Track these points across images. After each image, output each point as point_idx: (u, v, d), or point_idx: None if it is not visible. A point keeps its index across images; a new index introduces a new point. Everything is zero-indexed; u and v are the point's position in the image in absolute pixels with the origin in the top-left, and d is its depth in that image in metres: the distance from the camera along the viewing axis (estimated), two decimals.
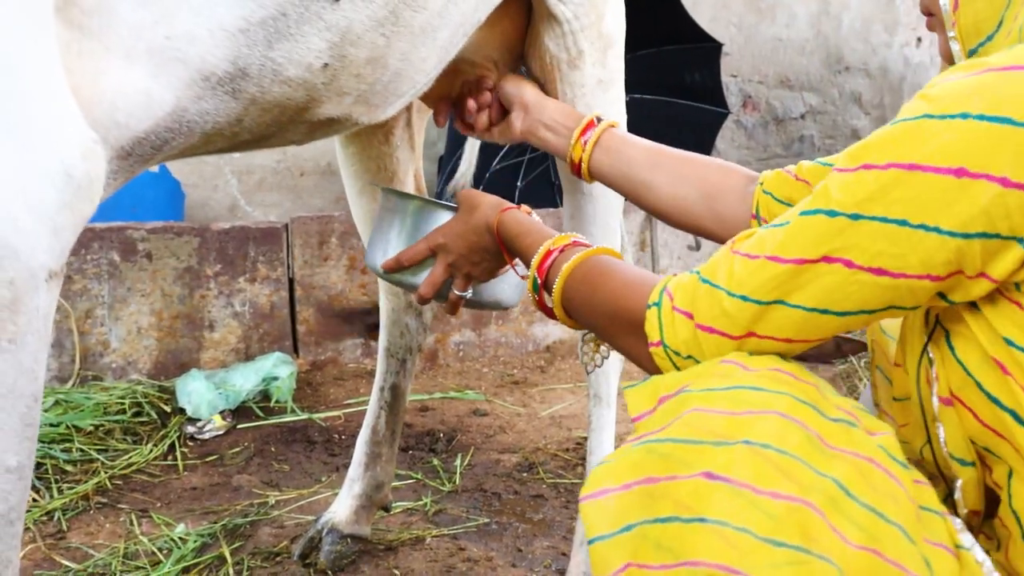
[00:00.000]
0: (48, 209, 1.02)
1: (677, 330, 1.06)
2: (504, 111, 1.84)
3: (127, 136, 1.18)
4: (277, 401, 3.22)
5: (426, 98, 1.92)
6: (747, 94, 5.48)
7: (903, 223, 0.93)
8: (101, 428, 2.98)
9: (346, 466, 2.31)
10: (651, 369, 1.11)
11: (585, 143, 1.65)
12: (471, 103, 1.84)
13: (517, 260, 1.48)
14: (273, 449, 2.92)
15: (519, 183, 4.43)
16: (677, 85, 4.64)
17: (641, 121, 4.54)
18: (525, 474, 2.75)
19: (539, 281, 1.31)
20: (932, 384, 1.05)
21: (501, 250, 1.49)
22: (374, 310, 3.54)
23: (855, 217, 0.95)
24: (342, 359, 3.57)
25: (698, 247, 4.08)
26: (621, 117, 2.02)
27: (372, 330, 3.56)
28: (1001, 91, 0.89)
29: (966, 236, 0.92)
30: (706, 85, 4.69)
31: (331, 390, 3.39)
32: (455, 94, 1.92)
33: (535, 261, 1.32)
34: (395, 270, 1.64)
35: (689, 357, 1.06)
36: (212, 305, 3.42)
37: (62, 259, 1.06)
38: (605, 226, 2.05)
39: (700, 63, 4.66)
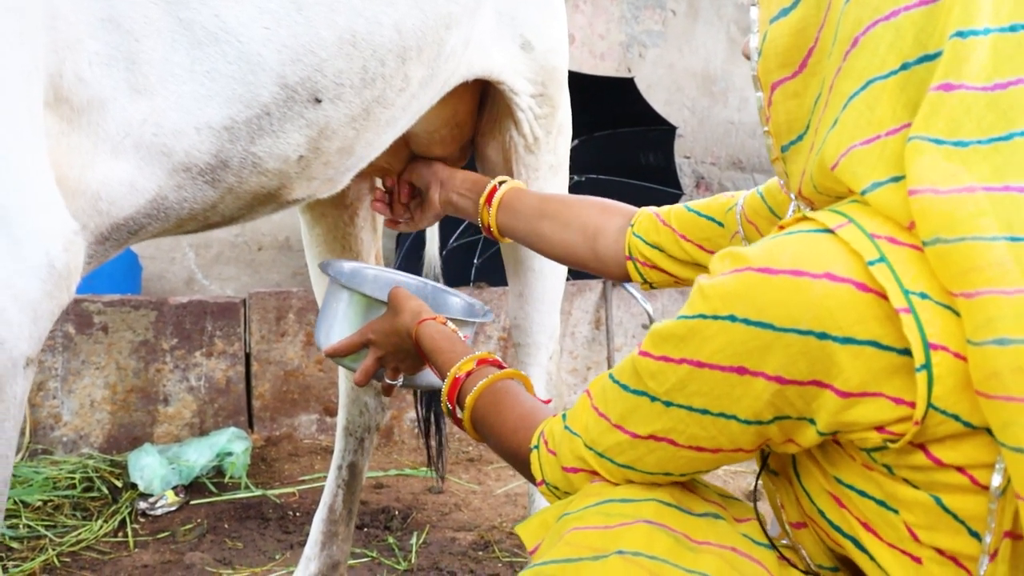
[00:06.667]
0: (32, 299, 1.04)
1: (552, 470, 1.17)
2: (415, 194, 1.99)
3: (107, 223, 1.21)
4: (231, 477, 3.19)
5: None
6: (700, 175, 5.60)
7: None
8: (50, 503, 2.93)
9: (300, 544, 2.29)
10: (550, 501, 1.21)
11: (490, 206, 1.78)
12: (378, 194, 2.00)
13: None
14: (226, 526, 2.89)
15: (476, 260, 4.47)
16: (632, 166, 4.73)
17: None
18: (481, 552, 2.75)
19: (450, 408, 1.39)
20: (781, 510, 1.14)
21: (421, 356, 1.56)
22: (330, 386, 3.54)
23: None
24: (297, 435, 3.56)
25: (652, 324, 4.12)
26: None
27: (328, 406, 3.56)
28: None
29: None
30: (660, 166, 4.79)
31: (286, 466, 3.36)
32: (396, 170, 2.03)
33: (445, 390, 1.40)
34: (335, 356, 1.73)
35: (566, 493, 1.17)
36: (167, 379, 3.40)
37: (39, 346, 1.08)
38: (551, 304, 2.22)
39: (655, 145, 4.77)
